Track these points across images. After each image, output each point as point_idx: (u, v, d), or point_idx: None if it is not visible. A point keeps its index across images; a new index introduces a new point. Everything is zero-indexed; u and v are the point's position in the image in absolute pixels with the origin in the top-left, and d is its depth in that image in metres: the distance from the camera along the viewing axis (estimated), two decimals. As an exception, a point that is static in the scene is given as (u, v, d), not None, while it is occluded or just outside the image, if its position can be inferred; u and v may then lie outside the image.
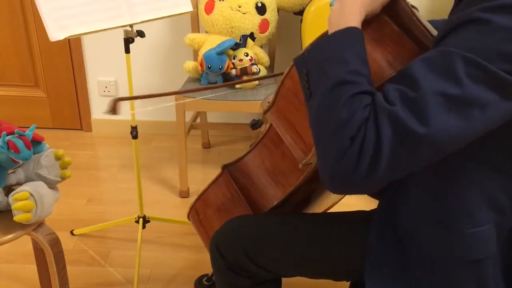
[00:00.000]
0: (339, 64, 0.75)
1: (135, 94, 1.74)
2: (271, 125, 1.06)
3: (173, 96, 1.88)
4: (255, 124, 1.15)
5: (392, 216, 0.92)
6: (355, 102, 0.72)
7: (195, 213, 1.20)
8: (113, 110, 1.04)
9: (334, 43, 0.79)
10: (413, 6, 0.85)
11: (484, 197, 0.81)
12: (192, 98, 1.89)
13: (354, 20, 0.81)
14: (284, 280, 1.14)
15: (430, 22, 0.97)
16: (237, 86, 1.97)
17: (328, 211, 1.37)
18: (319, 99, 0.76)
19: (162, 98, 1.22)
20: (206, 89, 1.13)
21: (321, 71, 0.77)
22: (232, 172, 1.15)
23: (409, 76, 0.70)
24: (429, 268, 0.87)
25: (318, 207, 1.33)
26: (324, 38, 0.80)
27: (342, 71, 0.74)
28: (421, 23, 0.84)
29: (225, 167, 1.16)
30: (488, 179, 0.80)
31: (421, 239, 0.87)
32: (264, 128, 1.13)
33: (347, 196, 1.37)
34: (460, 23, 0.69)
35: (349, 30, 0.79)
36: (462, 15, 0.70)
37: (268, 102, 0.99)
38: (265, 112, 0.99)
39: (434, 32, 0.86)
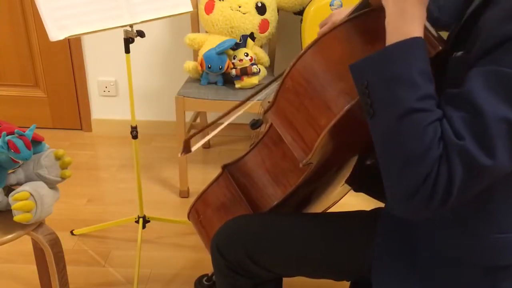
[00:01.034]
0: (408, 88, 0.71)
1: (135, 94, 1.73)
2: (271, 124, 1.06)
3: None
4: (255, 124, 1.14)
5: (404, 219, 0.91)
6: (428, 135, 0.70)
7: (195, 213, 1.20)
8: (187, 149, 1.10)
9: (399, 58, 0.73)
10: None
11: None
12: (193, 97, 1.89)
13: (417, 25, 0.75)
14: (284, 280, 1.14)
15: None
16: (237, 85, 1.97)
17: (328, 210, 1.38)
18: (387, 125, 0.73)
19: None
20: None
21: (388, 92, 0.73)
22: (232, 172, 1.15)
23: (470, 102, 0.69)
24: (444, 271, 0.86)
25: (318, 207, 1.33)
26: (388, 50, 0.75)
27: (413, 98, 0.71)
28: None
29: (225, 167, 1.16)
30: None
31: (440, 243, 0.87)
32: (264, 128, 1.13)
33: (347, 196, 1.37)
34: (509, 38, 0.68)
35: (414, 43, 0.74)
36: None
37: (268, 102, 0.99)
38: (265, 111, 0.99)
39: (433, 32, 0.86)
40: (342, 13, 1.07)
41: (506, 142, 0.68)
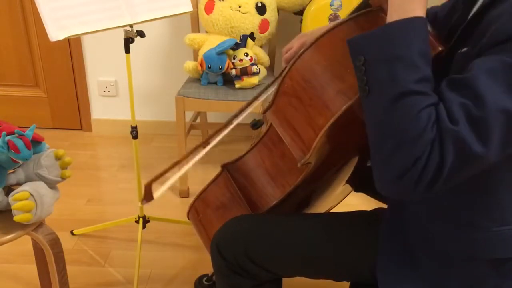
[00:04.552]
0: (407, 69, 0.71)
1: (135, 94, 1.73)
2: (271, 124, 1.06)
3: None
4: (256, 124, 1.15)
5: (406, 216, 0.91)
6: (424, 118, 0.70)
7: (194, 212, 1.20)
8: (149, 196, 0.95)
9: (400, 37, 0.72)
10: None
11: None
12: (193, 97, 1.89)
13: (419, 4, 0.74)
14: (284, 280, 1.14)
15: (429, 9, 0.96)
16: (237, 86, 1.97)
17: (329, 211, 1.38)
18: (382, 105, 0.73)
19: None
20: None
21: (386, 72, 0.72)
22: (231, 171, 1.15)
23: (472, 88, 0.68)
24: (447, 265, 0.86)
25: (319, 208, 1.33)
26: (389, 28, 0.73)
27: (411, 79, 0.71)
28: None
29: (224, 166, 1.16)
30: None
31: (441, 237, 0.86)
32: (264, 128, 1.13)
33: (347, 196, 1.37)
34: None
35: (417, 22, 0.73)
36: None
37: (269, 102, 0.99)
38: (265, 111, 0.99)
39: (434, 33, 0.86)
40: (312, 35, 1.09)
41: (501, 133, 0.68)
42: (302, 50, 0.93)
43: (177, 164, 0.99)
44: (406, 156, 0.70)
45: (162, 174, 0.96)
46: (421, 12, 0.74)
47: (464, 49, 0.79)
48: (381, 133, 0.74)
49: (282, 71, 0.97)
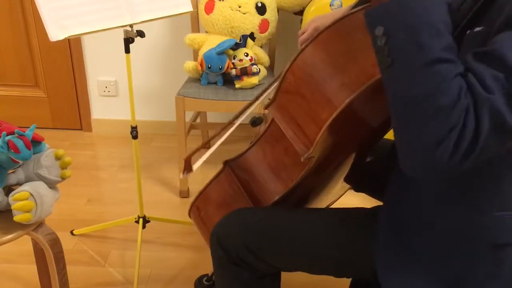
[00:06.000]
0: (434, 36, 0.67)
1: (135, 94, 1.73)
2: (272, 120, 1.06)
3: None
4: (255, 121, 1.15)
5: (404, 203, 0.91)
6: (456, 87, 0.67)
7: (196, 209, 1.19)
8: (189, 168, 0.98)
9: (424, 5, 0.68)
10: None
11: None
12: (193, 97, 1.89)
13: None
14: (283, 279, 1.13)
15: None
16: (237, 86, 1.98)
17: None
18: (408, 76, 0.69)
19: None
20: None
21: (413, 40, 0.68)
22: (233, 168, 1.15)
23: (504, 62, 0.67)
24: (446, 253, 0.86)
25: (317, 205, 1.33)
26: None
27: (438, 46, 0.67)
28: None
29: (226, 163, 1.16)
30: None
31: (442, 221, 0.86)
32: (263, 127, 1.13)
33: (347, 196, 1.37)
34: None
35: None
36: None
37: (269, 99, 0.99)
38: (266, 107, 0.99)
39: None
40: (324, 19, 1.08)
41: None
42: (303, 45, 0.93)
43: (211, 138, 1.03)
44: (440, 125, 0.67)
45: (198, 149, 1.02)
46: None
47: (478, 29, 0.77)
48: (408, 104, 0.70)
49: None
